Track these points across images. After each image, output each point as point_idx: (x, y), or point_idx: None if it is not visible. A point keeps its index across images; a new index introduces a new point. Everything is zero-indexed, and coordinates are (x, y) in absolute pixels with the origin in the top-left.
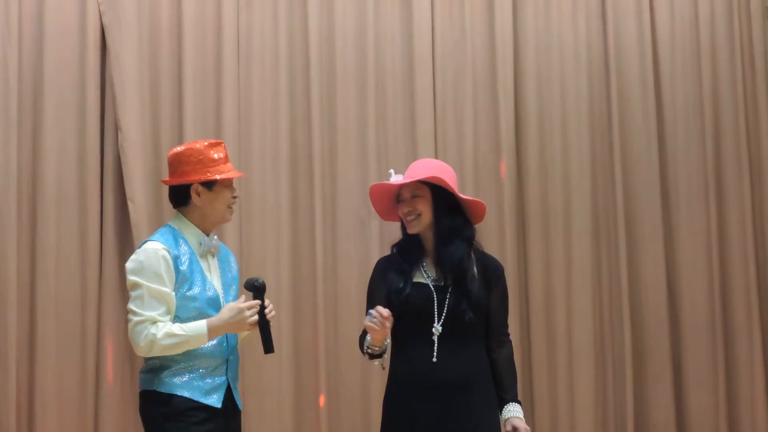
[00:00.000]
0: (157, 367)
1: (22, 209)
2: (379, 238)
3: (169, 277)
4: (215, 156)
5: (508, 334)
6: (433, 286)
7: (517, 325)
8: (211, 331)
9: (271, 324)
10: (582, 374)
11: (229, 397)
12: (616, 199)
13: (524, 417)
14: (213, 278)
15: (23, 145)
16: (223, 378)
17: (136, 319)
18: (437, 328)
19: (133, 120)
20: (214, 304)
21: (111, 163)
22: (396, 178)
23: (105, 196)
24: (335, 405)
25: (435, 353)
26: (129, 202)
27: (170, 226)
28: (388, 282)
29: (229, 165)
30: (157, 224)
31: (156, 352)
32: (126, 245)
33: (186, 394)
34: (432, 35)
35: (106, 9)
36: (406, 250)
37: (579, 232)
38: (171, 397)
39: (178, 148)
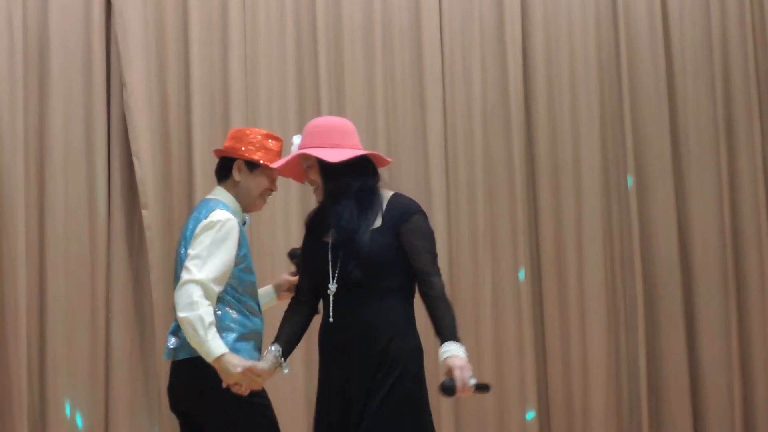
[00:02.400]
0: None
1: (30, 167)
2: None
3: (234, 250)
4: (270, 144)
5: (433, 273)
6: (331, 245)
7: (528, 278)
8: (218, 360)
9: None
10: (594, 326)
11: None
12: (626, 150)
13: (536, 368)
14: None
15: (30, 103)
16: (259, 353)
17: (188, 277)
18: (331, 288)
19: (139, 76)
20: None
21: (117, 120)
22: (297, 143)
23: (112, 152)
24: None
25: (331, 313)
26: (134, 159)
27: (216, 200)
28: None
29: (279, 160)
30: (163, 181)
31: (182, 318)
32: (133, 201)
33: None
34: None
35: None
36: (318, 213)
37: (589, 183)
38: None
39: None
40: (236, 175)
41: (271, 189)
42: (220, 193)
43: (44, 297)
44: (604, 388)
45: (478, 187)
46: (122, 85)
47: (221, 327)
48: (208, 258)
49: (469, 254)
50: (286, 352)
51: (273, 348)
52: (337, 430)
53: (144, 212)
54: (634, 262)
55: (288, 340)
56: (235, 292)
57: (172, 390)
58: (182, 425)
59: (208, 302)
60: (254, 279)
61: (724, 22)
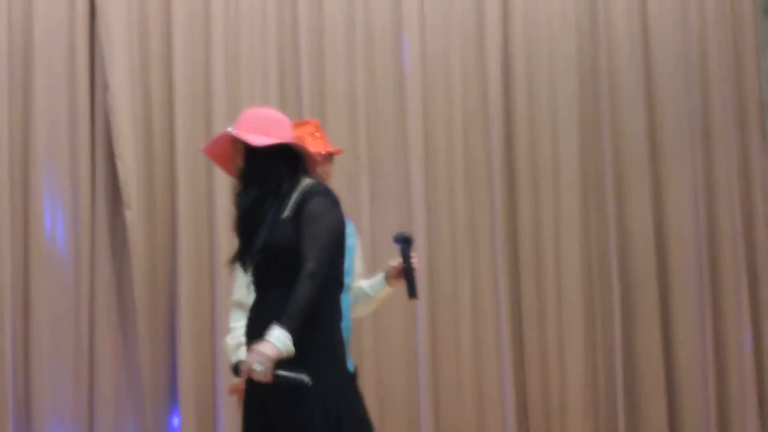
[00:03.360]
0: None
1: (14, 167)
2: (369, 189)
3: None
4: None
5: (308, 258)
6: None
7: (507, 277)
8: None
9: (415, 272)
10: (571, 324)
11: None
12: (605, 152)
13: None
14: None
15: (14, 104)
16: (347, 346)
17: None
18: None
19: (122, 77)
20: None
21: (101, 121)
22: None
23: (96, 153)
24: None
25: (251, 307)
26: (117, 160)
27: None
28: None
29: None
30: (146, 182)
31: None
32: (116, 203)
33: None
34: None
35: None
36: None
37: (568, 184)
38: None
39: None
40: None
41: (326, 172)
42: None
43: (28, 295)
44: (581, 386)
45: (458, 187)
46: (105, 86)
47: None
48: None
49: (448, 253)
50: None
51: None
52: None
53: (127, 212)
54: (611, 262)
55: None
56: None
57: None
58: None
59: None
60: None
61: (702, 27)
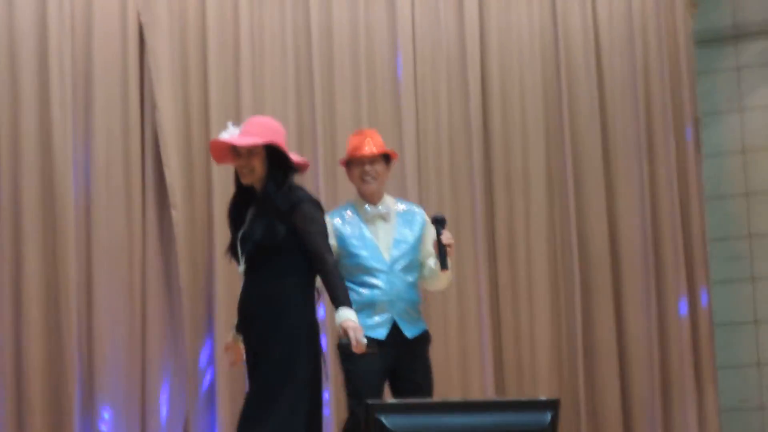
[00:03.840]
0: None
1: (78, 175)
2: None
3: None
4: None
5: (326, 253)
6: (242, 232)
7: (485, 263)
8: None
9: (446, 247)
10: (540, 303)
11: (395, 329)
12: (566, 160)
13: (492, 336)
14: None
15: (77, 124)
16: (388, 315)
17: None
18: (240, 267)
19: (167, 99)
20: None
21: (150, 136)
22: (233, 131)
23: (146, 162)
24: (335, 334)
25: (242, 288)
26: (165, 167)
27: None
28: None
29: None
30: (188, 186)
31: None
32: (164, 203)
33: None
34: (412, 27)
35: (143, 10)
36: (233, 203)
37: (536, 186)
38: None
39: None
40: None
41: (364, 172)
42: None
43: (91, 282)
44: (548, 354)
45: (445, 189)
46: (154, 106)
47: None
48: None
49: None
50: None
51: (234, 331)
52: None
53: (173, 211)
54: (573, 251)
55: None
56: (348, 275)
57: None
58: None
59: None
60: (355, 261)
61: (645, 56)
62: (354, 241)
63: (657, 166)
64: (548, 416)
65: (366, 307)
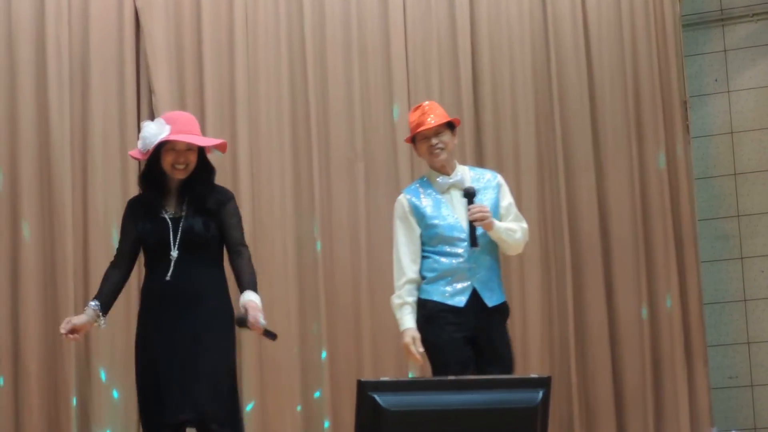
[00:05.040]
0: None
1: (75, 159)
2: (364, 174)
3: (400, 228)
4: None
5: (244, 245)
6: (170, 219)
7: None
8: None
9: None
10: (531, 284)
11: (475, 297)
12: (556, 141)
13: None
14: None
15: (74, 107)
16: (468, 283)
17: None
18: (173, 253)
19: (164, 85)
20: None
21: (146, 119)
22: (166, 128)
23: None
24: (333, 324)
25: (172, 273)
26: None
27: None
28: (138, 220)
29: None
30: None
31: None
32: None
33: (436, 298)
34: (404, 16)
35: None
36: (153, 190)
37: (527, 167)
38: (426, 302)
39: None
40: None
41: (431, 146)
42: None
43: (87, 263)
44: (539, 335)
45: None
46: (151, 92)
47: (423, 278)
48: None
49: None
50: (105, 307)
51: (92, 303)
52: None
53: None
54: (564, 232)
55: (107, 297)
56: (428, 245)
57: None
58: None
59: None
60: (434, 231)
61: (633, 39)
62: (431, 212)
63: (646, 148)
64: (540, 394)
65: (446, 275)
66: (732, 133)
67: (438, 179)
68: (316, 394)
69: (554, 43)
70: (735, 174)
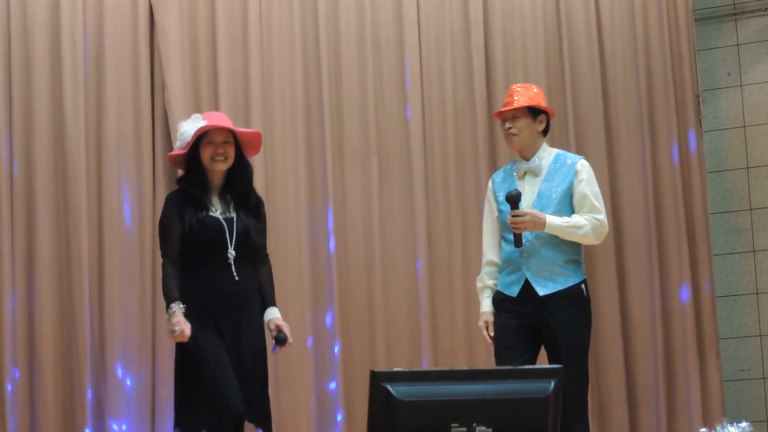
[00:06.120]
0: None
1: (90, 152)
2: (378, 167)
3: (485, 210)
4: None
5: (267, 254)
6: (222, 218)
7: None
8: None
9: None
10: None
11: (527, 287)
12: (569, 136)
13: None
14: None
15: (89, 102)
16: (521, 273)
17: None
18: (231, 252)
19: (177, 81)
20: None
21: (160, 114)
22: (201, 121)
23: (156, 140)
24: (346, 317)
25: (225, 273)
26: (174, 146)
27: None
28: (184, 217)
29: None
30: None
31: None
32: (173, 181)
33: (499, 287)
34: (417, 9)
35: None
36: (197, 187)
37: None
38: (497, 290)
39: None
40: None
41: (507, 129)
42: None
43: (102, 257)
44: None
45: (451, 166)
46: (164, 87)
47: None
48: None
49: (443, 218)
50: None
51: (178, 306)
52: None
53: None
54: None
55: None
56: (503, 232)
57: None
58: None
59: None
60: (502, 217)
61: (646, 33)
62: (501, 197)
63: (659, 142)
64: (552, 384)
65: (507, 264)
66: (744, 126)
67: (517, 163)
68: (330, 387)
69: (567, 36)
70: (747, 168)
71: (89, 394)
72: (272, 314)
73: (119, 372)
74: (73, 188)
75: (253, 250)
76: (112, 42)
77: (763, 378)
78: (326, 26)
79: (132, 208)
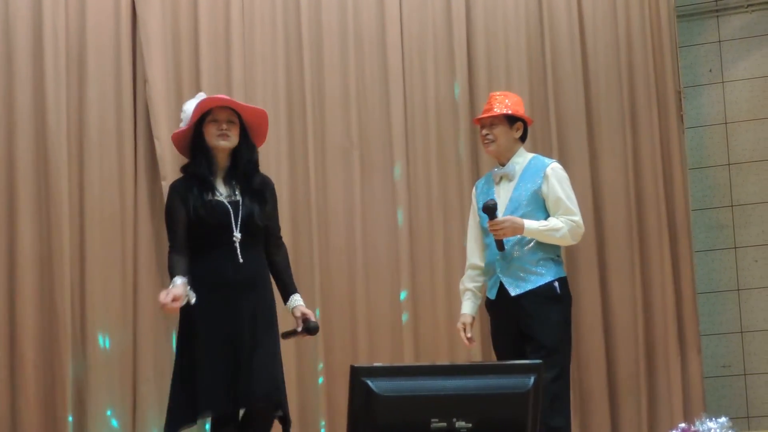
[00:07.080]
0: None
1: (71, 146)
2: (359, 162)
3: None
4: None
5: (281, 237)
6: (228, 202)
7: None
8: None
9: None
10: None
11: (501, 289)
12: (551, 133)
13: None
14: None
15: (71, 96)
16: (497, 276)
17: None
18: (236, 235)
19: (158, 74)
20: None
21: (141, 109)
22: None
23: (138, 135)
24: (328, 312)
25: (232, 256)
26: (155, 140)
27: None
28: (188, 203)
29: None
30: (177, 160)
31: None
32: (154, 174)
33: (486, 291)
34: (399, 5)
35: None
36: (203, 166)
37: None
38: (486, 297)
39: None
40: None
41: (482, 136)
42: None
43: (84, 251)
44: None
45: (432, 162)
46: (146, 81)
47: None
48: None
49: (425, 215)
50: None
51: (180, 279)
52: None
53: (163, 183)
54: None
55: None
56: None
57: None
58: None
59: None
60: (483, 223)
61: (628, 29)
62: (480, 204)
63: (640, 138)
64: (531, 379)
65: (487, 269)
66: (726, 123)
67: (494, 169)
68: (316, 382)
69: (549, 33)
70: (729, 164)
71: (70, 386)
72: (296, 301)
73: (102, 364)
74: (55, 182)
75: (262, 234)
76: (94, 36)
77: (744, 374)
78: (308, 21)
79: (113, 202)
